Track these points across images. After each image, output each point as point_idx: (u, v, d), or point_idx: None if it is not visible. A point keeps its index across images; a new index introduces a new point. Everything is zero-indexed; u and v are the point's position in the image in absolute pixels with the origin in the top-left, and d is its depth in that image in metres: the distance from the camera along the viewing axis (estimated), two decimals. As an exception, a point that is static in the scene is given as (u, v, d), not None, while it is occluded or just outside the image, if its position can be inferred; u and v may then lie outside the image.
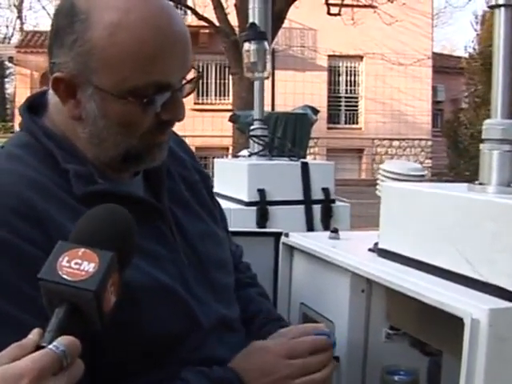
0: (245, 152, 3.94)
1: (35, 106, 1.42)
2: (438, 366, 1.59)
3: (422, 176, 2.10)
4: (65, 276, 0.99)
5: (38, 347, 0.93)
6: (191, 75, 1.40)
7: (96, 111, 1.31)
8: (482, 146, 1.46)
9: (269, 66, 3.43)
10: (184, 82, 1.37)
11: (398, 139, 24.18)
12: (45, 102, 1.42)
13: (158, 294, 1.34)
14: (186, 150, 1.66)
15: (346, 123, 24.62)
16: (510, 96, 1.46)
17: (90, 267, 1.00)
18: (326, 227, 3.17)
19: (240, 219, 3.01)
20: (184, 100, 1.39)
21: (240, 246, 1.81)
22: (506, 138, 1.43)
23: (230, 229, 1.76)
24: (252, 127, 3.53)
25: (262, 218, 3.11)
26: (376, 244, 1.66)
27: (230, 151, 16.80)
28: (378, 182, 2.10)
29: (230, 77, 15.57)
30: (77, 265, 1.00)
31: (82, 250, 1.02)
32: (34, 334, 0.96)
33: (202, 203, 1.59)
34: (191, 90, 1.43)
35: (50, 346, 0.93)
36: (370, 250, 1.70)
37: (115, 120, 1.32)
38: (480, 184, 1.45)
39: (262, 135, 3.46)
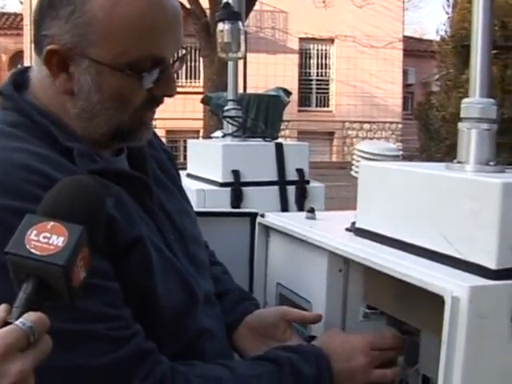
0: (218, 133, 3.92)
1: (17, 84, 1.39)
2: (415, 344, 1.59)
3: (397, 156, 2.11)
4: (33, 250, 0.96)
5: (6, 323, 0.91)
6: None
7: (90, 85, 1.30)
8: (460, 124, 1.46)
9: (243, 46, 3.40)
10: (175, 58, 1.37)
11: (368, 122, 24.25)
12: (26, 80, 1.39)
13: (165, 265, 1.36)
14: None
15: (317, 106, 24.65)
16: (488, 75, 1.45)
17: (58, 241, 0.97)
18: (301, 208, 3.17)
19: (214, 200, 3.00)
20: None
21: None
22: (485, 116, 1.43)
23: (206, 209, 1.76)
24: (226, 108, 3.50)
25: (237, 199, 3.09)
26: (353, 223, 1.66)
27: (201, 134, 16.73)
28: (353, 162, 2.11)
29: (201, 59, 15.49)
30: (45, 239, 0.97)
31: (51, 223, 0.98)
32: (1, 311, 0.94)
33: (173, 181, 1.60)
34: (179, 68, 1.42)
35: (17, 322, 0.90)
36: (347, 229, 1.69)
37: (110, 94, 1.30)
38: (458, 162, 1.45)
39: (236, 116, 3.44)
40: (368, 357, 1.44)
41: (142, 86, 1.30)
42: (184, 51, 1.42)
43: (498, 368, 1.21)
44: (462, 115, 1.46)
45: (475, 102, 1.44)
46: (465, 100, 1.47)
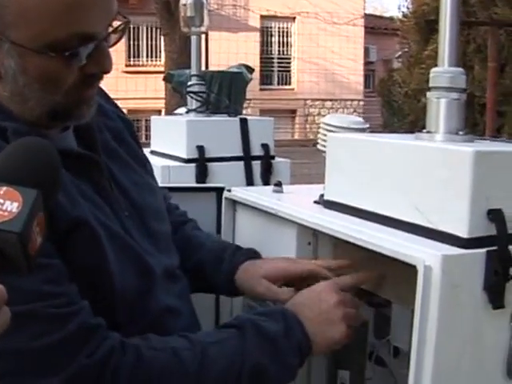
0: (181, 110, 3.87)
1: None
2: (385, 317, 1.58)
3: (364, 129, 2.09)
4: None
5: None
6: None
7: (15, 68, 1.23)
8: (428, 94, 1.44)
9: (206, 20, 3.36)
10: (110, 30, 1.28)
11: (330, 100, 24.28)
12: None
13: (116, 244, 1.31)
14: (107, 99, 1.60)
15: (278, 84, 24.60)
16: (457, 44, 1.44)
17: (13, 207, 0.92)
18: (266, 183, 3.16)
19: (179, 176, 2.98)
20: (114, 62, 1.31)
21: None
22: (454, 86, 1.41)
23: (172, 185, 1.73)
24: (189, 83, 3.47)
25: (202, 175, 3.07)
26: (321, 196, 1.64)
27: (163, 114, 16.63)
28: (319, 136, 2.08)
29: (162, 38, 15.35)
30: None
31: (4, 188, 0.92)
32: None
33: (131, 152, 1.54)
34: (119, 39, 1.32)
35: None
36: (315, 202, 1.67)
37: (36, 76, 1.23)
38: (428, 132, 1.43)
39: (200, 91, 3.40)
40: (337, 295, 1.40)
41: (71, 66, 1.23)
42: (121, 23, 1.31)
43: (470, 337, 1.21)
44: (430, 84, 1.44)
45: (444, 72, 1.42)
46: (433, 69, 1.45)
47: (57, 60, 1.21)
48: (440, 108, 1.42)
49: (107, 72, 1.29)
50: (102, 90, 1.56)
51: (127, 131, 1.58)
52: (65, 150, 1.29)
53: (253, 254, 1.65)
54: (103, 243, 1.27)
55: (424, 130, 1.44)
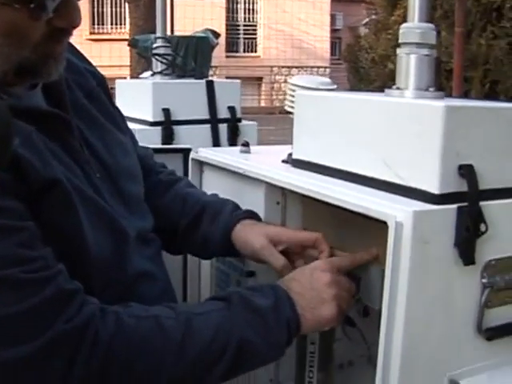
0: (146, 74, 3.83)
1: None
2: (355, 277, 1.57)
3: (332, 90, 2.07)
4: None
5: None
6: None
7: None
8: (398, 50, 1.42)
9: (171, -21, 3.32)
10: None
11: (296, 67, 24.23)
12: None
13: (88, 206, 1.27)
14: (77, 54, 1.54)
15: (244, 51, 24.52)
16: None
17: None
18: (233, 146, 3.14)
19: (145, 140, 2.90)
20: (78, 29, 1.26)
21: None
22: (425, 41, 1.39)
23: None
24: (155, 45, 3.42)
25: (168, 138, 3.04)
26: (290, 155, 1.62)
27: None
28: (287, 97, 2.05)
29: (127, 5, 15.17)
30: None
31: None
32: None
33: (103, 110, 1.49)
34: None
35: None
36: (283, 161, 1.65)
37: (1, 30, 1.17)
38: (397, 89, 1.41)
39: (166, 54, 3.36)
40: (331, 274, 1.35)
41: (37, 19, 1.17)
42: None
43: (442, 293, 1.20)
44: (400, 40, 1.42)
45: (414, 27, 1.39)
46: (403, 25, 1.42)
47: (22, 12, 1.15)
48: (410, 64, 1.39)
49: (76, 26, 1.24)
50: (72, 47, 1.51)
51: (101, 89, 1.53)
52: (32, 108, 1.26)
53: (256, 215, 1.59)
54: (76, 206, 1.23)
55: (394, 87, 1.42)
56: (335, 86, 2.09)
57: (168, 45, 3.41)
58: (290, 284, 1.34)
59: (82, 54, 1.56)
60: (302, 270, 1.38)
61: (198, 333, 1.22)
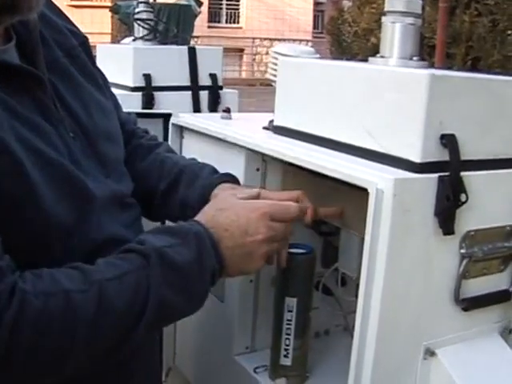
0: (127, 40, 3.79)
1: None
2: (333, 247, 1.57)
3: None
4: None
5: None
6: None
7: None
8: (383, 18, 1.41)
9: None
10: None
11: (279, 39, 24.12)
12: None
13: (48, 169, 1.20)
14: (58, 12, 1.49)
15: (227, 22, 24.39)
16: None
17: None
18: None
19: (125, 105, 2.88)
20: None
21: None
22: (410, 10, 1.38)
23: (117, 111, 1.66)
24: (137, 10, 3.38)
25: (148, 104, 3.02)
26: (271, 122, 1.60)
27: (109, 47, 16.38)
28: (269, 65, 2.03)
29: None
30: None
31: None
32: None
33: (83, 70, 1.44)
34: None
35: None
36: (264, 128, 1.64)
37: None
38: (381, 57, 1.40)
39: (148, 19, 3.32)
40: (266, 230, 1.29)
41: None
42: None
43: (420, 262, 1.20)
44: (386, 8, 1.41)
45: (401, -5, 1.39)
46: (390, -7, 1.41)
47: None
48: (395, 32, 1.39)
49: None
50: (52, 4, 1.47)
51: (82, 49, 1.48)
52: (2, 63, 1.22)
53: (235, 179, 1.54)
54: (28, 172, 1.15)
55: (377, 55, 1.41)
56: (318, 56, 2.07)
57: (150, 9, 3.38)
58: (221, 234, 1.27)
59: (63, 13, 1.51)
60: (239, 219, 1.30)
61: (111, 303, 1.14)
